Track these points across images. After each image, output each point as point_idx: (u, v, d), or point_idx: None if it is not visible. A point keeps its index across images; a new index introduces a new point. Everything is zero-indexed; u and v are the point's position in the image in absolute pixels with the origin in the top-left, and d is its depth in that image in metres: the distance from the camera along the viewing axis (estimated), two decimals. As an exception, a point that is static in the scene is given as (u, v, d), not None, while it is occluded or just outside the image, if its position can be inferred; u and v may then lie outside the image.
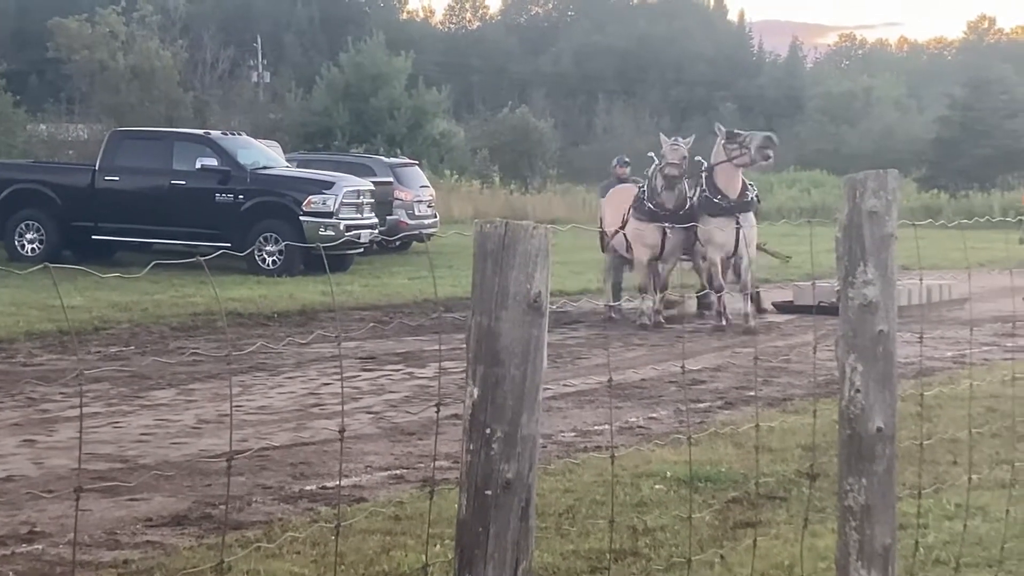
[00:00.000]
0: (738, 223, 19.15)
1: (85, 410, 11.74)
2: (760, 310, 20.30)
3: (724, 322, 19.21)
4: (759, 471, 9.22)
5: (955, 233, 31.35)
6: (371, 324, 18.10)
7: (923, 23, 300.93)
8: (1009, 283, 18.19)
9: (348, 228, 25.64)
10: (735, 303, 19.34)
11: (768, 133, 20.01)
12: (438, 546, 7.44)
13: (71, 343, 16.09)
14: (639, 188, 20.08)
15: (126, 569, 7.42)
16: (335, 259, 26.28)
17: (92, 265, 23.16)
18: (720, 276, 19.30)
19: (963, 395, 10.90)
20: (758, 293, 20.45)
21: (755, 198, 19.50)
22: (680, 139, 19.71)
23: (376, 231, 27.11)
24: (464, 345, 3.76)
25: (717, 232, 18.93)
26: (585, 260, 28.21)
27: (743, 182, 19.47)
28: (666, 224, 19.26)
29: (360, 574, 7.33)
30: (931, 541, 7.69)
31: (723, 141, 19.54)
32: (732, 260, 19.44)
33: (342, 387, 13.22)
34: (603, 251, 21.42)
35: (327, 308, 20.38)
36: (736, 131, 19.94)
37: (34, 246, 26.68)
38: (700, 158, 19.93)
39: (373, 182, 28.44)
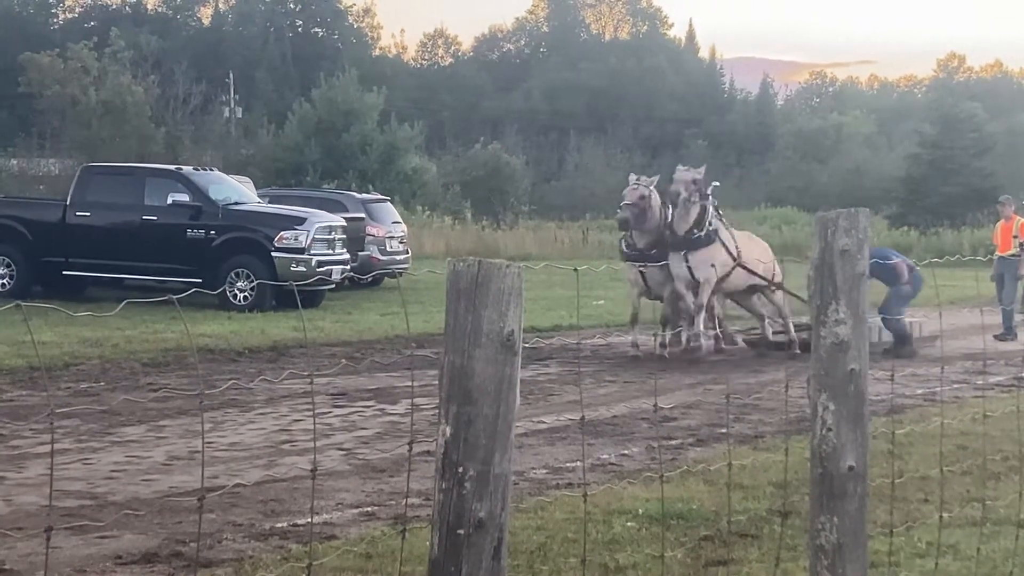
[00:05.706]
0: (687, 257, 20.17)
1: (55, 446, 11.68)
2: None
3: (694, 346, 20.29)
4: (731, 509, 9.21)
5: (925, 271, 31.43)
6: (343, 360, 18.04)
7: (895, 61, 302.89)
8: (979, 321, 18.27)
9: (320, 264, 25.62)
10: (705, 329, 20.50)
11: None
12: (410, 584, 7.41)
13: (41, 379, 16.01)
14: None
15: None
16: (307, 295, 26.22)
17: (63, 301, 23.06)
18: (690, 304, 20.37)
19: (934, 433, 10.92)
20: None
21: (703, 236, 20.09)
22: (643, 179, 20.64)
23: (348, 267, 27.09)
24: (436, 382, 3.75)
25: (672, 264, 20.37)
26: (556, 297, 28.26)
27: (695, 221, 20.31)
28: (640, 263, 20.56)
29: (331, 612, 7.30)
30: (902, 579, 7.70)
31: None
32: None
33: (314, 424, 13.17)
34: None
35: (299, 344, 20.35)
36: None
37: (4, 281, 26.55)
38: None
39: (345, 218, 28.41)
